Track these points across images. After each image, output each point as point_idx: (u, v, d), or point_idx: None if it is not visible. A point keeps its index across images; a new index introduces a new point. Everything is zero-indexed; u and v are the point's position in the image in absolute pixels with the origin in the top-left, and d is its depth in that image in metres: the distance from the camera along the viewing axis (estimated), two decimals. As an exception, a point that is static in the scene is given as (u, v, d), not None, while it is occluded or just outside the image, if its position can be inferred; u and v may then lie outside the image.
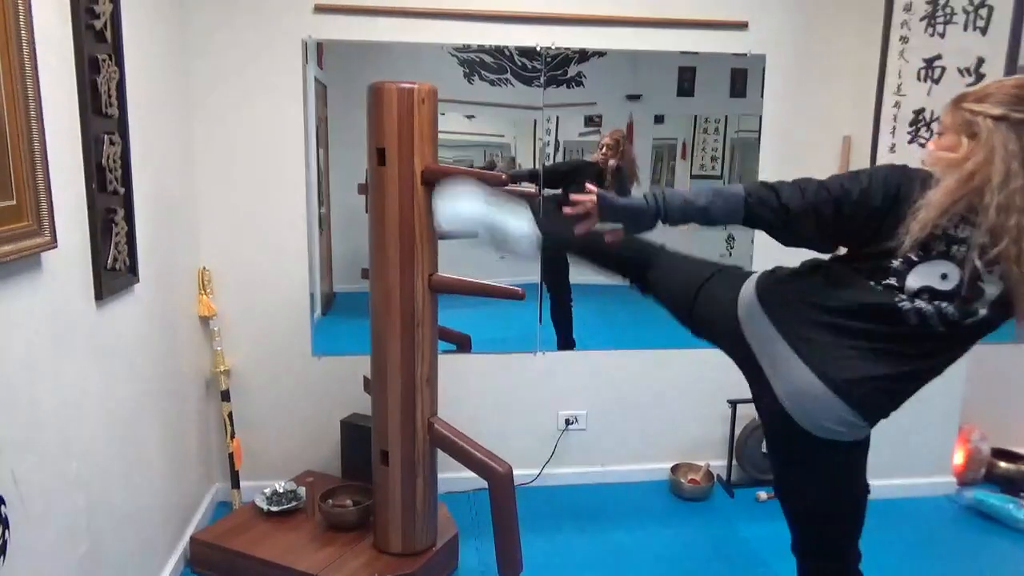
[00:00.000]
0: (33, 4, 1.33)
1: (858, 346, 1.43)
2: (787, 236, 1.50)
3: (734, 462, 3.01)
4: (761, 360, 1.55)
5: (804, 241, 1.49)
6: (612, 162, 2.89)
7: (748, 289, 1.61)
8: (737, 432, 2.98)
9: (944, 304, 1.38)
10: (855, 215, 1.40)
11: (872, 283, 1.42)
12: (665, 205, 1.47)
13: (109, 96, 1.74)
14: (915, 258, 1.38)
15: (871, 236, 1.40)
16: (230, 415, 2.63)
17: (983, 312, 1.39)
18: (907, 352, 1.43)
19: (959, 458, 3.00)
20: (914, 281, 1.39)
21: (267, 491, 2.51)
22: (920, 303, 1.39)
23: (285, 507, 2.45)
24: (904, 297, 1.39)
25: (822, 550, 1.65)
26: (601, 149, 2.89)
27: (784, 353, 1.49)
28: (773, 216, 1.45)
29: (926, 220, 1.32)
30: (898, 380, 1.45)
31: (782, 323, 1.51)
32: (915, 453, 2.89)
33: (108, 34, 1.74)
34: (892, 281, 1.41)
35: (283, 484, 2.55)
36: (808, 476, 1.57)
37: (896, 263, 1.40)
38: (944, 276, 1.38)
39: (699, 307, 1.74)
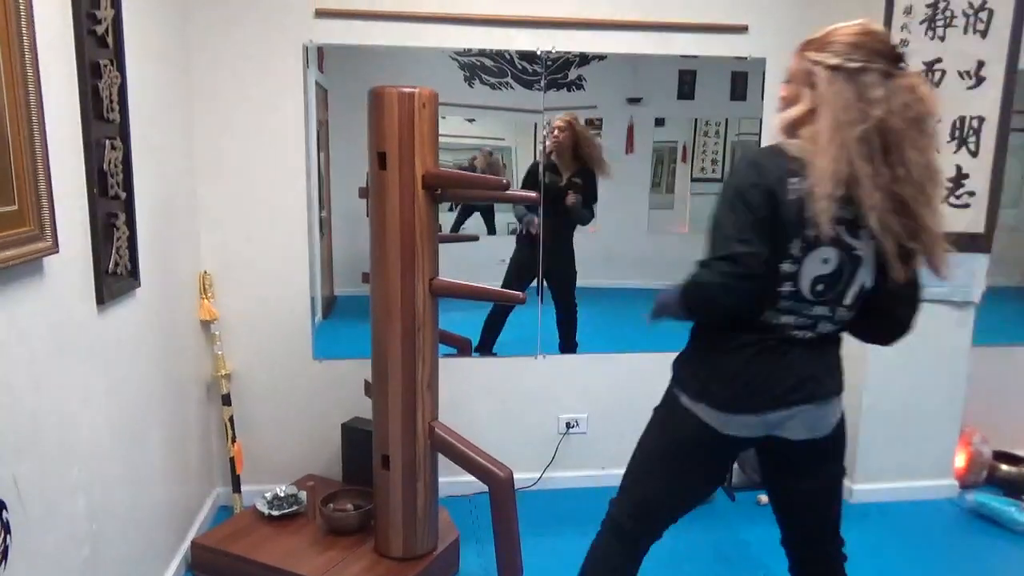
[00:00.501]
0: (35, 9, 1.33)
1: (812, 350, 1.47)
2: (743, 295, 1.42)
3: (735, 466, 3.01)
4: (783, 435, 1.52)
5: (758, 284, 1.40)
6: (571, 199, 2.84)
7: (714, 419, 1.49)
8: (738, 435, 2.97)
9: (833, 310, 1.43)
10: (769, 230, 1.36)
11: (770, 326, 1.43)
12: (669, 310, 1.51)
13: (110, 101, 1.74)
14: (798, 253, 1.37)
15: (775, 233, 1.37)
16: (231, 419, 2.63)
17: (867, 283, 1.42)
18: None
19: (961, 461, 3.00)
20: (806, 277, 1.40)
21: (268, 495, 2.51)
22: (821, 325, 1.44)
23: (286, 511, 2.44)
24: (800, 329, 1.43)
25: (815, 537, 1.66)
26: (552, 132, 2.81)
27: (793, 413, 1.48)
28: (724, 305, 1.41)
29: (823, 194, 1.28)
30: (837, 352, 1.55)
31: (765, 405, 1.47)
32: (917, 456, 2.88)
33: (110, 39, 1.74)
34: (789, 287, 1.40)
35: (284, 488, 2.55)
36: (806, 468, 1.58)
37: (786, 265, 1.39)
38: (825, 260, 1.39)
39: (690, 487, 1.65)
